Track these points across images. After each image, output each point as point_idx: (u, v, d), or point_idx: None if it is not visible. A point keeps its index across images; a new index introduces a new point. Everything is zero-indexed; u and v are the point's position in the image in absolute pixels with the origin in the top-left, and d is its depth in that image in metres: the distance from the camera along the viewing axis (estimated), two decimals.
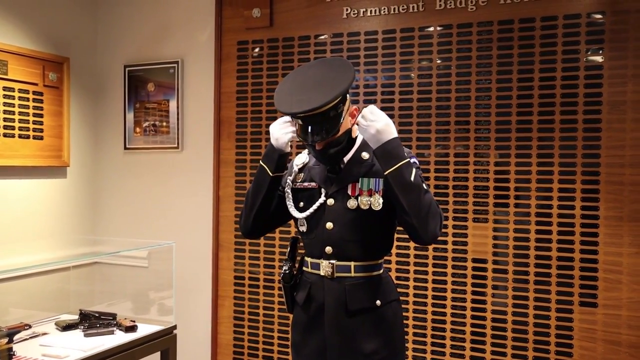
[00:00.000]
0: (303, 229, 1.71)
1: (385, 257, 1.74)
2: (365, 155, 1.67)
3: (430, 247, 2.57)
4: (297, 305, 1.74)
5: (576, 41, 2.33)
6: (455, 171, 2.54)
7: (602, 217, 2.30)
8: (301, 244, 1.78)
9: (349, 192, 1.64)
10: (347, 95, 1.59)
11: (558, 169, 2.37)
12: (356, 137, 1.70)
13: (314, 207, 1.66)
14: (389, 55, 2.65)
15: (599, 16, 2.30)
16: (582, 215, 2.33)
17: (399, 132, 2.63)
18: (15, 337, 2.03)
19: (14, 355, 1.94)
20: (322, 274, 1.66)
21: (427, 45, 2.58)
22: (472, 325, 2.51)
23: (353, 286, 1.63)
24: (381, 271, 1.69)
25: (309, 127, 1.58)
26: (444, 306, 2.55)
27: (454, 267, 2.54)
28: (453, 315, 2.54)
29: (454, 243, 2.54)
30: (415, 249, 2.60)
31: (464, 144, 2.52)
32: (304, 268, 1.75)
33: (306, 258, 1.73)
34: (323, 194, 1.67)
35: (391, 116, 2.64)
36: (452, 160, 2.54)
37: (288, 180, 1.75)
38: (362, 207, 1.62)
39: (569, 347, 2.35)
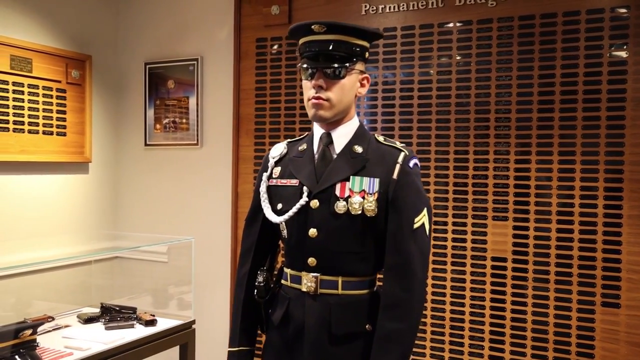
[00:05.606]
0: (284, 234, 1.46)
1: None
2: (358, 148, 1.42)
3: (449, 246, 2.55)
4: (272, 326, 1.49)
5: (599, 36, 2.28)
6: (475, 169, 2.51)
7: (626, 216, 2.25)
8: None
9: (337, 192, 1.38)
10: (366, 55, 1.45)
11: (580, 166, 2.33)
12: (350, 121, 1.46)
13: (294, 209, 1.39)
14: (408, 52, 2.64)
15: (623, 10, 2.25)
16: (604, 214, 2.29)
17: (418, 129, 2.62)
18: (39, 329, 2.07)
19: (37, 346, 1.98)
20: (303, 289, 1.41)
21: (447, 42, 2.56)
22: (491, 324, 2.48)
23: (339, 306, 1.38)
24: (374, 289, 1.45)
25: (316, 57, 1.38)
26: (463, 305, 2.53)
27: (473, 265, 2.52)
28: (472, 314, 2.52)
29: (473, 242, 2.52)
30: (434, 247, 2.58)
31: (483, 141, 2.49)
32: (283, 281, 1.49)
33: (286, 269, 1.49)
34: (305, 194, 1.40)
35: (410, 113, 2.63)
36: (472, 157, 2.52)
37: (263, 177, 1.50)
38: (353, 212, 1.36)
39: (590, 348, 2.31)
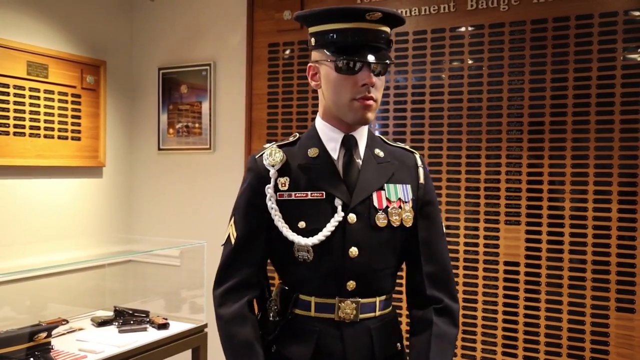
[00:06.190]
0: (305, 257, 1.23)
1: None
2: (380, 152, 1.30)
3: (461, 250, 2.55)
4: None
5: (613, 40, 2.27)
6: (487, 173, 2.51)
7: None
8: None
9: (375, 204, 1.24)
10: None
11: (594, 170, 2.31)
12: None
13: (330, 227, 1.20)
14: (419, 56, 2.64)
15: (637, 13, 2.24)
16: (618, 218, 2.27)
17: (430, 133, 2.62)
18: (54, 332, 2.09)
19: (52, 349, 2.00)
20: (338, 317, 1.23)
21: (459, 46, 2.56)
22: (504, 329, 2.47)
23: (378, 329, 1.26)
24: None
25: (357, 49, 1.18)
26: (475, 309, 2.52)
27: (485, 270, 2.51)
28: (484, 319, 2.51)
29: (486, 246, 2.51)
30: None
31: (496, 145, 2.49)
32: (299, 311, 1.27)
33: (304, 297, 1.26)
34: (340, 208, 1.21)
35: (422, 117, 2.64)
36: (484, 161, 2.51)
37: (268, 190, 1.24)
38: (394, 224, 1.24)
39: (604, 354, 2.29)
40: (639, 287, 2.24)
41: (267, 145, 1.30)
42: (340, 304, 1.23)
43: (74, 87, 3.03)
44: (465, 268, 2.54)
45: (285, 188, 1.24)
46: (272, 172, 1.24)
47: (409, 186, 1.29)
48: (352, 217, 1.21)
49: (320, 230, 1.20)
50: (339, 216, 1.20)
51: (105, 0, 3.26)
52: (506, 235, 2.47)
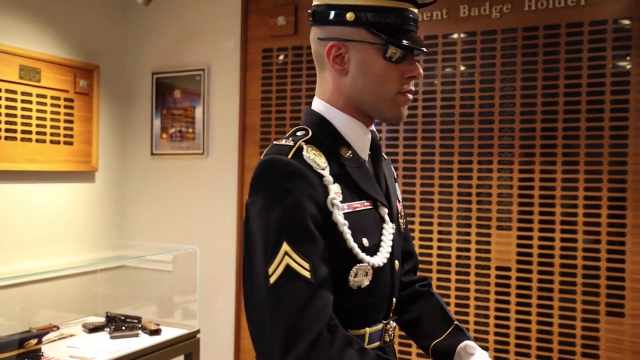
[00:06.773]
0: (361, 282, 0.99)
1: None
2: None
3: (453, 255, 2.56)
4: None
5: (602, 47, 2.30)
6: (479, 178, 2.53)
7: (629, 226, 2.26)
8: None
9: (397, 206, 1.13)
10: None
11: (584, 176, 2.34)
12: None
13: (389, 241, 1.02)
14: None
15: (626, 22, 2.27)
16: (608, 223, 2.30)
17: (422, 139, 2.64)
18: (44, 338, 2.07)
19: (42, 355, 1.99)
20: (383, 343, 1.07)
21: (451, 53, 2.58)
22: (496, 334, 2.48)
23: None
24: None
25: (401, 33, 1.00)
26: (467, 314, 2.54)
27: (477, 275, 2.52)
28: (476, 323, 2.52)
29: (477, 251, 2.52)
30: (438, 256, 2.59)
31: (487, 151, 2.51)
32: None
33: (355, 332, 1.01)
34: (387, 217, 1.04)
35: (414, 123, 2.65)
36: (476, 167, 2.53)
37: (335, 202, 0.95)
38: (402, 226, 1.15)
39: (595, 358, 2.31)
40: (629, 292, 2.26)
41: (286, 141, 0.99)
42: (387, 326, 1.06)
43: (67, 91, 3.02)
44: (457, 273, 2.55)
45: (341, 198, 0.97)
46: (328, 178, 0.96)
47: (397, 184, 1.21)
48: (394, 227, 1.06)
49: (378, 245, 1.01)
50: (390, 228, 1.03)
51: (98, 5, 3.26)
52: (498, 241, 2.48)
